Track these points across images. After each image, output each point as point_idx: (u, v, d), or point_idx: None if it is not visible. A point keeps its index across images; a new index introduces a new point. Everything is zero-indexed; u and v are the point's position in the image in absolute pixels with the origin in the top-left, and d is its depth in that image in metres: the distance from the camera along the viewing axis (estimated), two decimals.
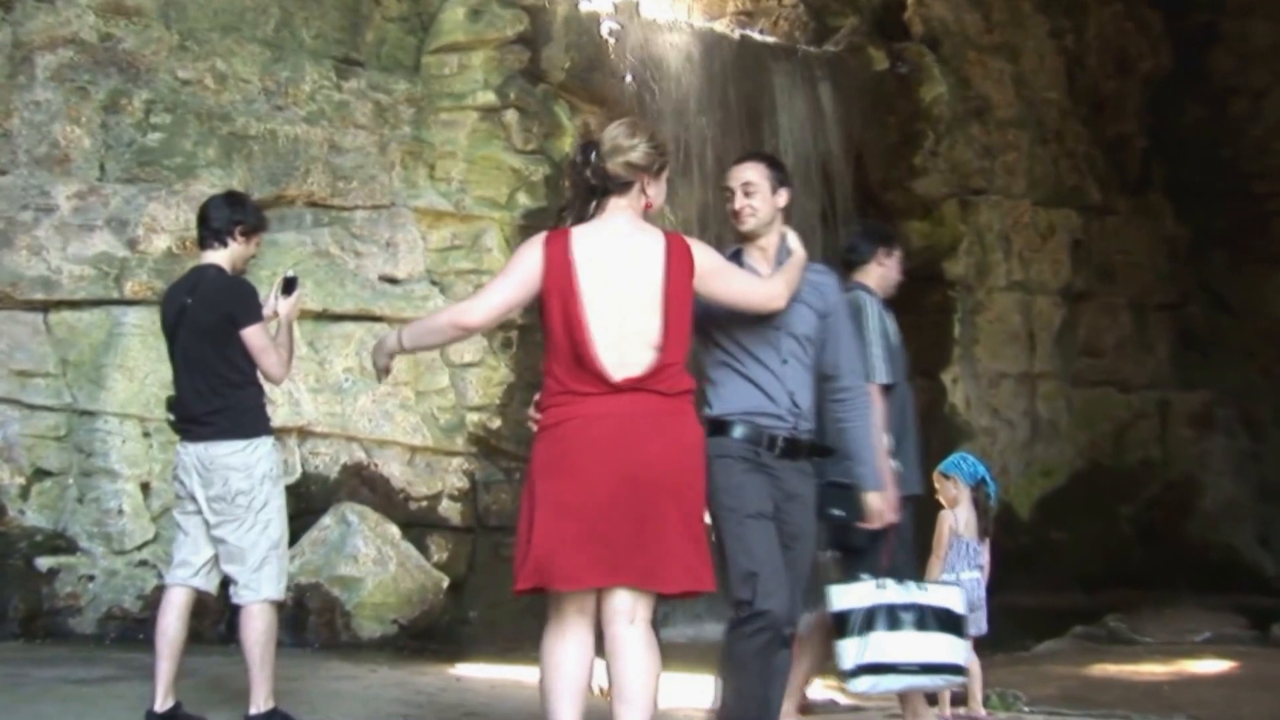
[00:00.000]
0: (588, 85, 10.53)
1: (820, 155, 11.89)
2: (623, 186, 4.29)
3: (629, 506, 4.07)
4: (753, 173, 4.80)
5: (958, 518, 6.49)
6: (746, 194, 4.77)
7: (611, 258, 4.20)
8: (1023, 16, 13.29)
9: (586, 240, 4.22)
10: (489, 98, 9.89)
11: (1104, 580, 12.25)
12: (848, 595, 5.03)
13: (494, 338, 9.69)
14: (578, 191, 4.37)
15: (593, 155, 4.32)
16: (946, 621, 5.06)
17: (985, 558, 6.53)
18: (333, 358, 9.06)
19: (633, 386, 4.13)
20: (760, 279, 4.58)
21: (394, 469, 9.19)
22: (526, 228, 9.80)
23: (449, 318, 4.46)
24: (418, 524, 9.18)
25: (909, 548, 5.61)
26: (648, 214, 4.34)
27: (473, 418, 9.52)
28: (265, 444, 5.61)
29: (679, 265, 4.21)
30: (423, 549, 9.03)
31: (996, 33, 13.08)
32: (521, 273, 4.27)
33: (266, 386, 5.83)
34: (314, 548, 8.56)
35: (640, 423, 4.12)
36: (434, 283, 9.61)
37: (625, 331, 4.16)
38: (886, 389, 5.52)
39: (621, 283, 4.18)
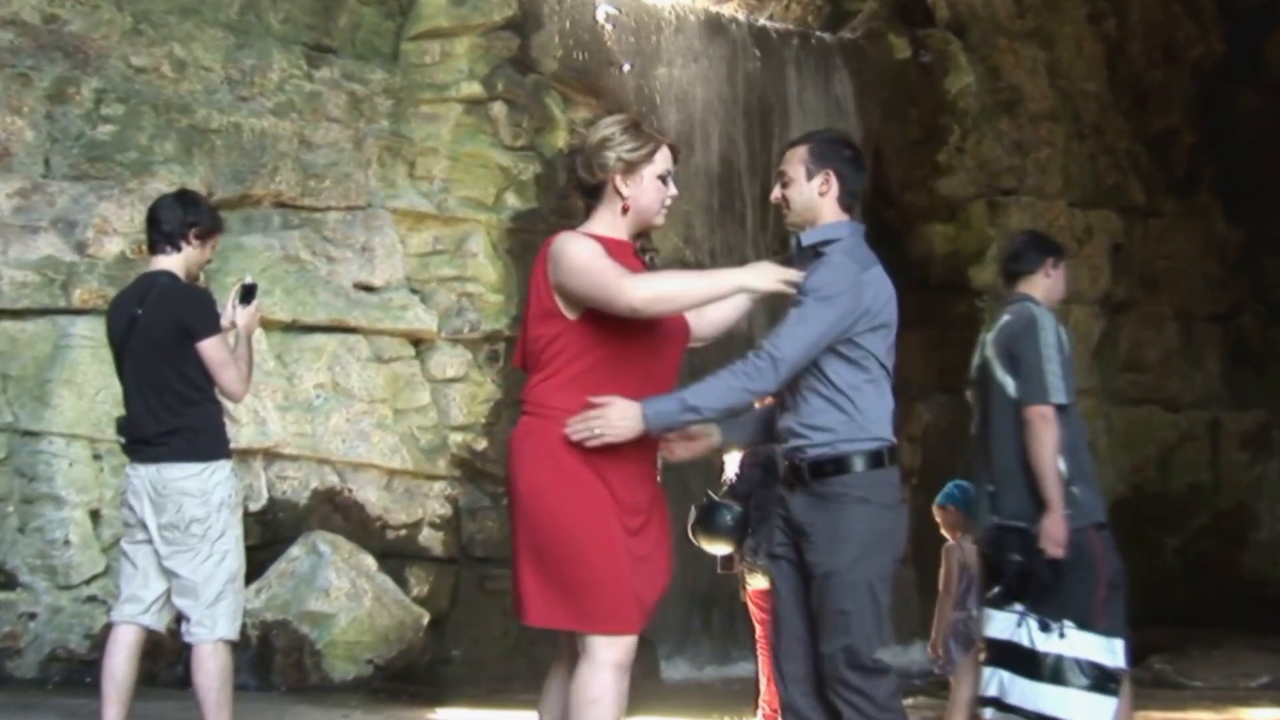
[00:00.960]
0: (583, 75, 10.52)
1: None
2: (594, 192, 4.34)
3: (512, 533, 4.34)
4: (788, 161, 4.72)
5: (965, 551, 6.44)
6: (781, 185, 4.70)
7: None
8: (1058, 0, 13.23)
9: None
10: (474, 89, 9.88)
11: (1148, 618, 12.04)
12: (993, 622, 5.16)
13: (479, 350, 9.65)
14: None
15: (576, 161, 4.39)
16: (1091, 676, 5.09)
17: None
18: (303, 372, 8.99)
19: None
20: (622, 274, 4.24)
21: (370, 494, 9.13)
22: (515, 231, 9.87)
23: None
24: (396, 555, 9.11)
25: (1093, 581, 5.51)
26: (633, 217, 4.32)
27: (456, 438, 9.49)
28: (223, 468, 5.56)
29: (538, 267, 4.31)
30: (401, 582, 8.96)
31: (1029, 18, 13.01)
32: None
33: (228, 405, 5.77)
34: (281, 581, 8.47)
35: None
36: (414, 291, 9.59)
37: None
38: (1061, 409, 5.49)
39: None
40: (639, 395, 4.21)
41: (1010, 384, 5.58)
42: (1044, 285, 5.87)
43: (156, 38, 8.94)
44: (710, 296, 4.43)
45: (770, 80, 11.82)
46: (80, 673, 7.84)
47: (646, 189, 4.33)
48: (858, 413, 4.45)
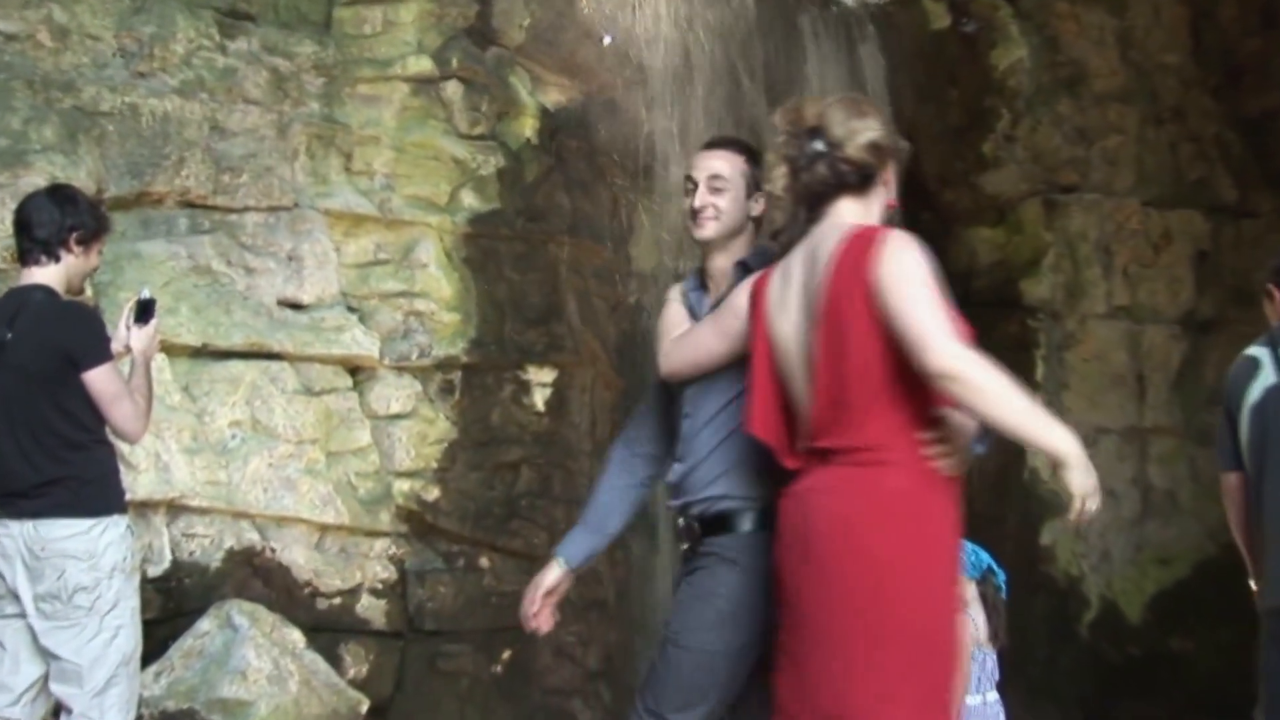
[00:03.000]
0: (555, 49, 10.61)
1: None
2: (863, 181, 4.45)
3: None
4: (724, 163, 4.96)
5: (975, 623, 6.53)
6: (712, 189, 4.90)
7: (796, 274, 4.43)
8: None
9: (783, 269, 4.51)
10: (424, 65, 9.95)
11: (1244, 705, 12.09)
12: None
13: (431, 381, 9.66)
14: (799, 199, 4.53)
15: (820, 144, 4.44)
16: None
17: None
18: (215, 407, 8.96)
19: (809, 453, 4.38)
20: (947, 323, 4.26)
21: (297, 555, 9.11)
22: (474, 236, 9.98)
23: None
24: (328, 628, 9.11)
25: None
26: (892, 217, 4.52)
27: (402, 486, 9.50)
28: (116, 524, 5.55)
29: (846, 272, 4.27)
30: (335, 661, 8.95)
31: None
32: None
33: (123, 447, 5.74)
34: (188, 661, 8.39)
35: (810, 500, 4.33)
36: (351, 309, 9.61)
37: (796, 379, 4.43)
38: None
39: (793, 310, 4.42)
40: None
41: None
42: None
43: None
44: (1014, 428, 4.27)
45: (782, 55, 11.85)
46: None
47: (893, 184, 4.56)
48: None
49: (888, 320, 4.17)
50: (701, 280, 5.00)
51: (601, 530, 5.24)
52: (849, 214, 4.41)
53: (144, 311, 5.89)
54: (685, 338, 4.91)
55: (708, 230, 4.88)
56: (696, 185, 4.95)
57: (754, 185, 4.88)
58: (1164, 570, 12.96)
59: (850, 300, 4.23)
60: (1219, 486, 13.04)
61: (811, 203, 4.47)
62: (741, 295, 4.66)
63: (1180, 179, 13.33)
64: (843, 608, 4.15)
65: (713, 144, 5.14)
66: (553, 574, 5.15)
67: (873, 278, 4.19)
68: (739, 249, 4.92)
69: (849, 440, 4.24)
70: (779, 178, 4.56)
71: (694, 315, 4.99)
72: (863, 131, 4.40)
